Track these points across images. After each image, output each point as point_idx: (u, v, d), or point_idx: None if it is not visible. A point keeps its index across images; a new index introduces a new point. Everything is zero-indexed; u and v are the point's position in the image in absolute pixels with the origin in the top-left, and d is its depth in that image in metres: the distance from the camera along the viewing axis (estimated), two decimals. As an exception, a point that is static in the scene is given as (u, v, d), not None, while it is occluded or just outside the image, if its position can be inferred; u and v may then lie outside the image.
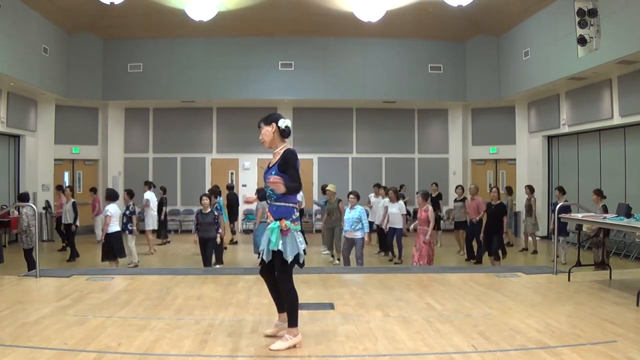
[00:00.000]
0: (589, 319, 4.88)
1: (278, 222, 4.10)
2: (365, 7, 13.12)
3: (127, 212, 10.06)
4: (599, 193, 9.05)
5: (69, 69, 14.57)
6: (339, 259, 10.43)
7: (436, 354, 3.95)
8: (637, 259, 10.62)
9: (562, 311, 5.20)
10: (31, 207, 8.45)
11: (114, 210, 9.07)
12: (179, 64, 15.30)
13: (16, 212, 12.83)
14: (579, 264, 7.56)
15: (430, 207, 8.62)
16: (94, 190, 14.04)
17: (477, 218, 10.54)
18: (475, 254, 10.93)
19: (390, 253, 11.33)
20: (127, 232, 9.88)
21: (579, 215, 7.37)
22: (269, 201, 4.21)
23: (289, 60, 15.49)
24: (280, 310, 4.36)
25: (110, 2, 11.91)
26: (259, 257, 4.36)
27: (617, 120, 11.40)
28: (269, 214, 4.20)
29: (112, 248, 8.89)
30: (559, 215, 7.31)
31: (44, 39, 13.25)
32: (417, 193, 9.98)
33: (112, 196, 9.31)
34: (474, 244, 11.04)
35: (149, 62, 15.37)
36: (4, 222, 12.18)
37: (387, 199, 11.48)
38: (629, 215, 6.18)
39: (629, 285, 6.27)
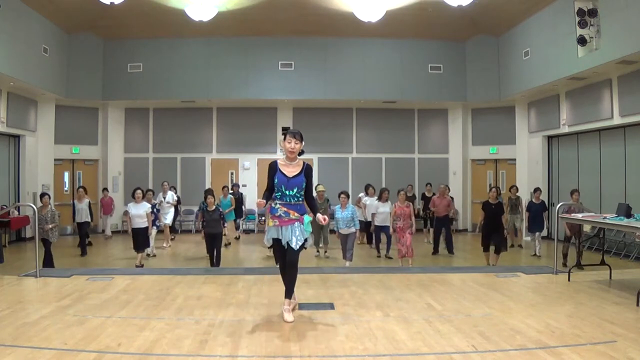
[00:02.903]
0: (589, 319, 4.88)
1: (308, 216, 4.99)
2: (365, 7, 13.11)
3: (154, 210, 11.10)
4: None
5: (69, 69, 14.57)
6: (326, 252, 11.46)
7: (436, 354, 3.95)
8: (637, 259, 10.62)
9: (562, 311, 5.20)
10: (31, 207, 8.46)
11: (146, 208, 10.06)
12: (179, 64, 15.30)
13: (16, 212, 12.86)
14: (579, 264, 7.59)
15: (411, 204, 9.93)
16: (106, 189, 14.73)
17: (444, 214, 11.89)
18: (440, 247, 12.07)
19: (377, 249, 11.76)
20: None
21: (579, 215, 7.37)
22: (292, 202, 4.91)
23: (289, 60, 15.49)
24: (290, 296, 5.02)
25: (110, 2, 11.90)
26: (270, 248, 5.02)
27: (617, 120, 11.39)
28: (291, 211, 4.89)
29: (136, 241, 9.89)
30: (560, 215, 7.31)
31: (44, 39, 13.25)
32: (399, 192, 10.39)
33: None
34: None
35: (149, 62, 15.37)
36: (4, 222, 12.19)
37: (374, 198, 12.07)
38: (629, 215, 6.19)
39: (629, 285, 6.27)
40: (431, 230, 13.77)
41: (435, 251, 12.00)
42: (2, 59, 11.30)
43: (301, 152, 5.05)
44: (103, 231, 14.90)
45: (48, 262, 9.25)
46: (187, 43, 15.32)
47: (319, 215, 4.99)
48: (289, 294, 4.99)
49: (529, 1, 12.54)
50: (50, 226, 9.44)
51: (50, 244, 9.52)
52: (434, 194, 13.71)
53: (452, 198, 13.13)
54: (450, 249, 11.97)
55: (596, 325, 4.64)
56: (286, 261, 4.93)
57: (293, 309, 5.08)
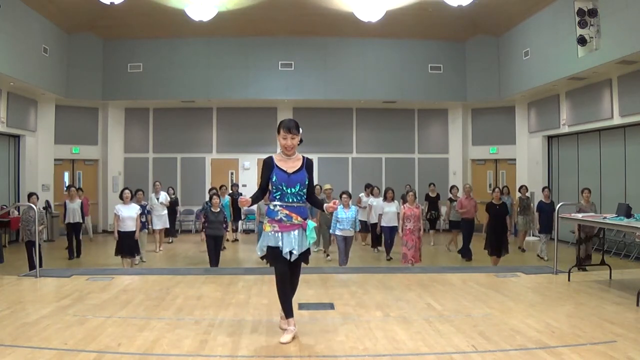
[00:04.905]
0: (589, 319, 4.88)
1: (312, 222, 4.36)
2: (365, 7, 13.12)
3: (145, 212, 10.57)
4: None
5: (69, 69, 14.58)
6: (328, 254, 11.37)
7: (436, 354, 3.95)
8: (637, 259, 10.62)
9: (562, 311, 5.20)
10: (31, 206, 8.45)
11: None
12: (179, 64, 15.30)
13: (16, 212, 12.85)
14: (578, 263, 7.58)
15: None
16: (80, 189, 13.74)
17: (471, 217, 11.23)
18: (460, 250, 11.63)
19: (387, 252, 11.52)
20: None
21: (579, 216, 7.37)
22: (295, 202, 4.29)
23: (289, 60, 15.49)
24: (292, 315, 4.35)
25: (110, 2, 11.92)
26: (263, 259, 4.50)
27: (617, 120, 11.40)
28: (294, 215, 4.27)
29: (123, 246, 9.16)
30: (560, 215, 7.30)
31: (44, 39, 13.25)
32: (407, 193, 10.15)
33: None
34: (459, 240, 11.80)
35: (149, 62, 15.37)
36: (4, 222, 12.17)
37: (379, 198, 11.98)
38: (629, 215, 6.18)
39: (629, 285, 6.27)
40: (431, 232, 13.71)
41: (469, 257, 11.05)
42: (2, 59, 11.30)
43: (300, 141, 4.39)
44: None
45: (32, 265, 8.84)
46: (187, 43, 15.32)
47: (327, 205, 4.40)
48: (291, 311, 4.35)
49: (529, 1, 12.55)
50: (39, 228, 9.25)
51: (37, 246, 9.23)
52: (438, 195, 13.66)
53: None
54: (467, 254, 11.15)
55: (596, 325, 4.63)
56: (294, 277, 4.40)
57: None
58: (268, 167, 4.33)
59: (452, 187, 13.44)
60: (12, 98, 12.97)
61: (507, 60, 14.70)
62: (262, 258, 4.46)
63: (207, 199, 10.62)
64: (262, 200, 4.76)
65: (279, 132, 4.35)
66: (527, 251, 12.39)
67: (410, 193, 9.77)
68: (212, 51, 15.43)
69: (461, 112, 16.73)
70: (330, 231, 9.63)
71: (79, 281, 6.63)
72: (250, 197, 4.37)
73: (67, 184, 14.32)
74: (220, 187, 12.67)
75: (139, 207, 9.53)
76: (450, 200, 12.95)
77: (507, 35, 14.67)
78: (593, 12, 10.57)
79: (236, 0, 13.42)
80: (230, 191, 13.78)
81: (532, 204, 12.42)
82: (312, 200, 4.57)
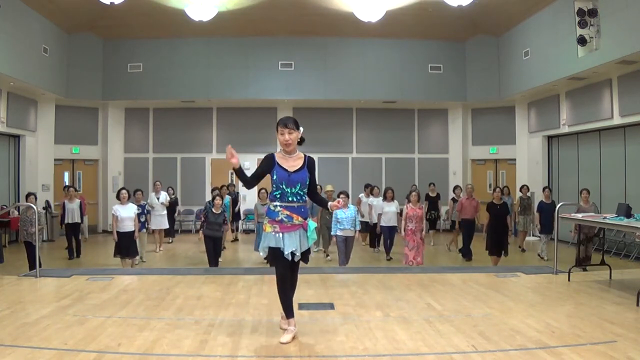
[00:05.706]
0: (589, 319, 4.87)
1: (313, 222, 4.35)
2: (365, 7, 13.12)
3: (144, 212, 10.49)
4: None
5: (69, 69, 14.58)
6: (327, 254, 11.41)
7: (436, 354, 3.95)
8: (637, 259, 10.62)
9: (562, 311, 5.20)
10: (30, 206, 8.44)
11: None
12: (179, 64, 15.30)
13: (16, 212, 12.85)
14: (578, 263, 7.58)
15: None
16: (75, 189, 13.34)
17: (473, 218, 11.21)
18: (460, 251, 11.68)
19: (387, 252, 11.46)
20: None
21: (579, 216, 7.37)
22: (295, 202, 4.25)
23: (289, 60, 15.50)
24: (293, 315, 4.34)
25: (110, 2, 11.92)
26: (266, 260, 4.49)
27: (617, 120, 11.40)
28: (295, 215, 4.24)
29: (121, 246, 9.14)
30: (560, 216, 7.30)
31: (44, 39, 13.25)
32: (411, 192, 10.03)
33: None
34: (459, 240, 11.84)
35: (149, 62, 15.38)
36: (4, 222, 12.15)
37: (379, 198, 11.94)
38: (629, 215, 6.18)
39: (629, 285, 6.27)
40: (431, 232, 13.67)
41: (469, 257, 11.04)
42: (2, 59, 11.30)
43: (302, 141, 4.34)
44: None
45: (32, 265, 8.65)
46: (187, 43, 15.33)
47: (331, 203, 4.40)
48: (292, 312, 4.34)
49: (529, 1, 12.55)
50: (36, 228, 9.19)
51: (34, 247, 8.86)
52: (438, 194, 13.65)
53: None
54: (467, 254, 11.14)
55: (596, 325, 4.63)
56: (293, 276, 4.39)
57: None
58: (268, 162, 4.29)
59: (456, 187, 13.44)
60: (12, 98, 12.97)
61: (507, 60, 14.70)
62: (265, 259, 4.47)
63: (210, 198, 10.60)
64: (261, 200, 4.75)
65: (277, 130, 4.32)
66: (527, 251, 12.37)
67: (414, 193, 9.56)
68: (212, 51, 15.43)
69: (461, 112, 16.73)
70: (332, 232, 9.58)
71: (79, 281, 6.63)
72: (242, 171, 4.28)
73: (65, 184, 14.28)
74: (222, 187, 12.62)
75: (136, 206, 9.49)
76: (454, 200, 12.96)
77: (507, 35, 14.67)
78: (593, 12, 10.58)
79: (236, 0, 13.42)
80: (228, 191, 13.74)
81: (532, 204, 12.42)
82: (316, 199, 4.53)
